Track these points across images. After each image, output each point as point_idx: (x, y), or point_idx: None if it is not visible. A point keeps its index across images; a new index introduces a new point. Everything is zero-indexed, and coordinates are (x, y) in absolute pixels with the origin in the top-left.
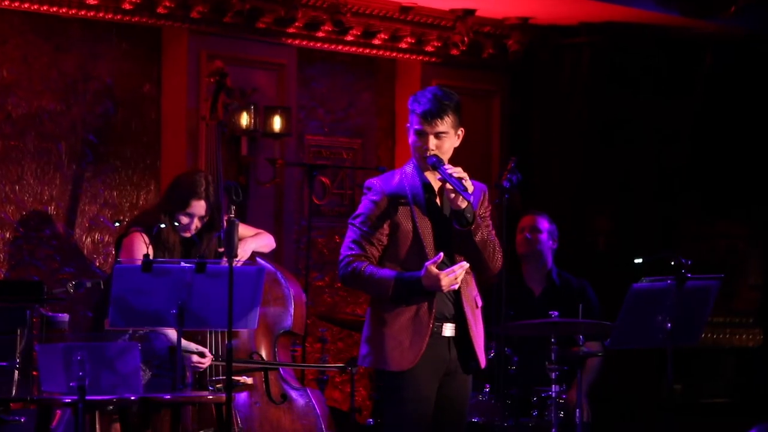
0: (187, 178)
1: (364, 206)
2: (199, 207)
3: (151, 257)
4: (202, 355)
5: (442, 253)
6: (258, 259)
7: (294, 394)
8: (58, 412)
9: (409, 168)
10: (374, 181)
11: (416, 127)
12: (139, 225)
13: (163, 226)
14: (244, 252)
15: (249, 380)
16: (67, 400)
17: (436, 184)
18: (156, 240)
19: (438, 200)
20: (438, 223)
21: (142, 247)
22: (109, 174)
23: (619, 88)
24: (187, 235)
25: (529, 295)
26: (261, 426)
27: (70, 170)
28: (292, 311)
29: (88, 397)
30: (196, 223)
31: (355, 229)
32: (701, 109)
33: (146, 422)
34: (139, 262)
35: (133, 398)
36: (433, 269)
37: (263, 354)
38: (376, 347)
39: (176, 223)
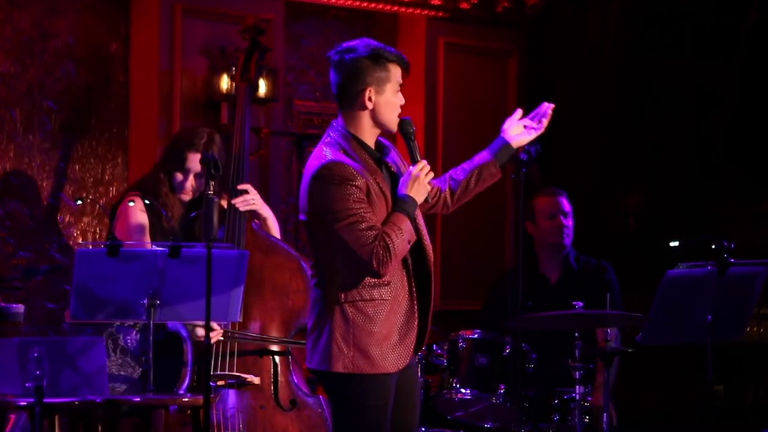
0: (187, 130)
1: None
2: (196, 161)
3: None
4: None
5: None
6: (277, 241)
7: (305, 401)
8: (12, 416)
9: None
10: None
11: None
12: (137, 190)
13: (147, 202)
14: (268, 213)
15: (256, 380)
16: (22, 403)
17: None
18: (153, 209)
19: None
20: None
21: (139, 215)
22: (70, 145)
23: (651, 46)
24: (184, 197)
25: (545, 283)
26: None
27: (25, 140)
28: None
29: (46, 400)
30: (191, 181)
31: None
32: (745, 71)
33: (113, 427)
34: (108, 244)
35: (98, 401)
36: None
37: (275, 350)
38: (350, 346)
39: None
